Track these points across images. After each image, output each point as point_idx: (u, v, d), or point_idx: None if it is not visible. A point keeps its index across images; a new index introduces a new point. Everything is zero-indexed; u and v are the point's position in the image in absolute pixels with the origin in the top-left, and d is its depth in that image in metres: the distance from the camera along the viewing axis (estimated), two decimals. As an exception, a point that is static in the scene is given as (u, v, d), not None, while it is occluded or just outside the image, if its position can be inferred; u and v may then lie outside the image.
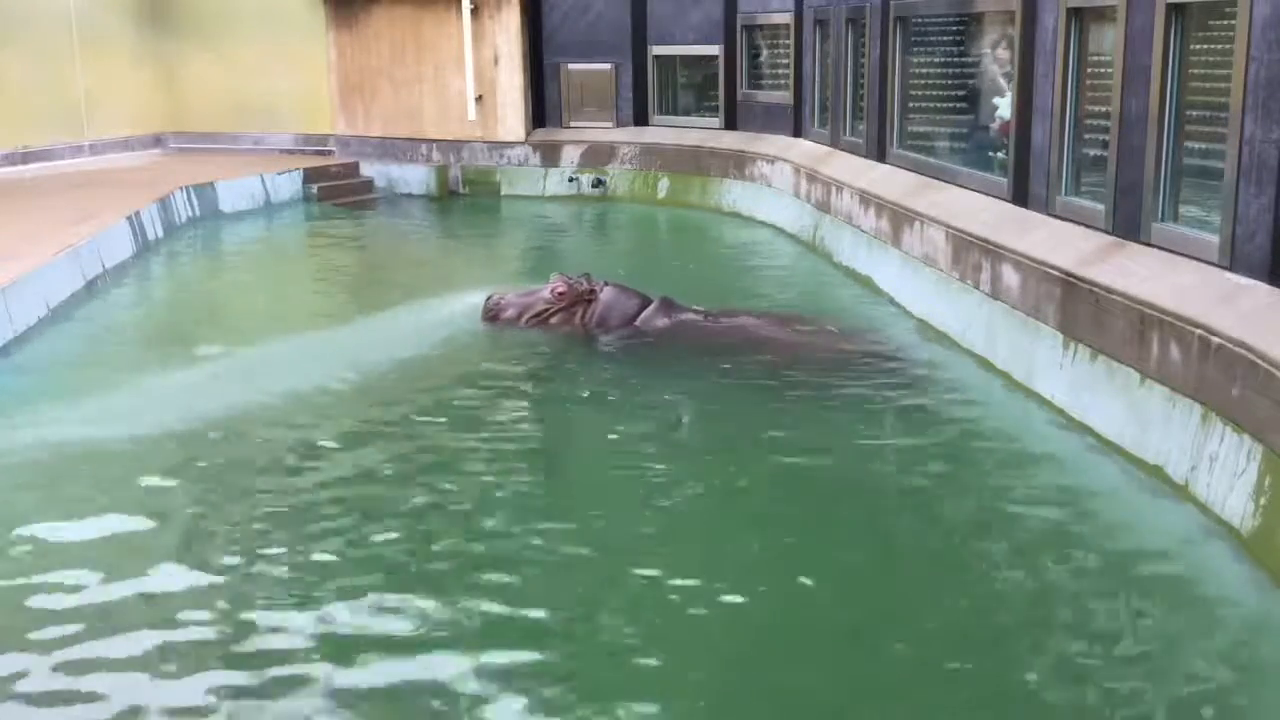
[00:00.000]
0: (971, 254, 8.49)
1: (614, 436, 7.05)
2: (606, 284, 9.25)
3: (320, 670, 4.38)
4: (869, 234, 11.00)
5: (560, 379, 8.47)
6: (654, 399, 7.76)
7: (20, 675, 4.37)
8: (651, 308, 9.08)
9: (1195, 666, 4.41)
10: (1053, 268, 7.22)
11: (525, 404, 7.97)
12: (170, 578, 5.13)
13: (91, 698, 4.24)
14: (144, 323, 10.55)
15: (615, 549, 5.41)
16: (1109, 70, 7.28)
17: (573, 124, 17.67)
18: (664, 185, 16.67)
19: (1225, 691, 4.28)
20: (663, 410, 7.54)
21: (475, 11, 17.23)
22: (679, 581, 5.01)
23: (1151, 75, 6.72)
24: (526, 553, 5.35)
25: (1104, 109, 7.42)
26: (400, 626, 4.66)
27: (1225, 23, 6.20)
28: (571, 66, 17.52)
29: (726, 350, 8.52)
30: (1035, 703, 4.20)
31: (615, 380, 8.25)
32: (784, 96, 15.24)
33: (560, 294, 9.09)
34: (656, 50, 17.10)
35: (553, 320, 9.07)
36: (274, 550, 5.39)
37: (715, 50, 16.44)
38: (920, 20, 11.22)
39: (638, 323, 8.99)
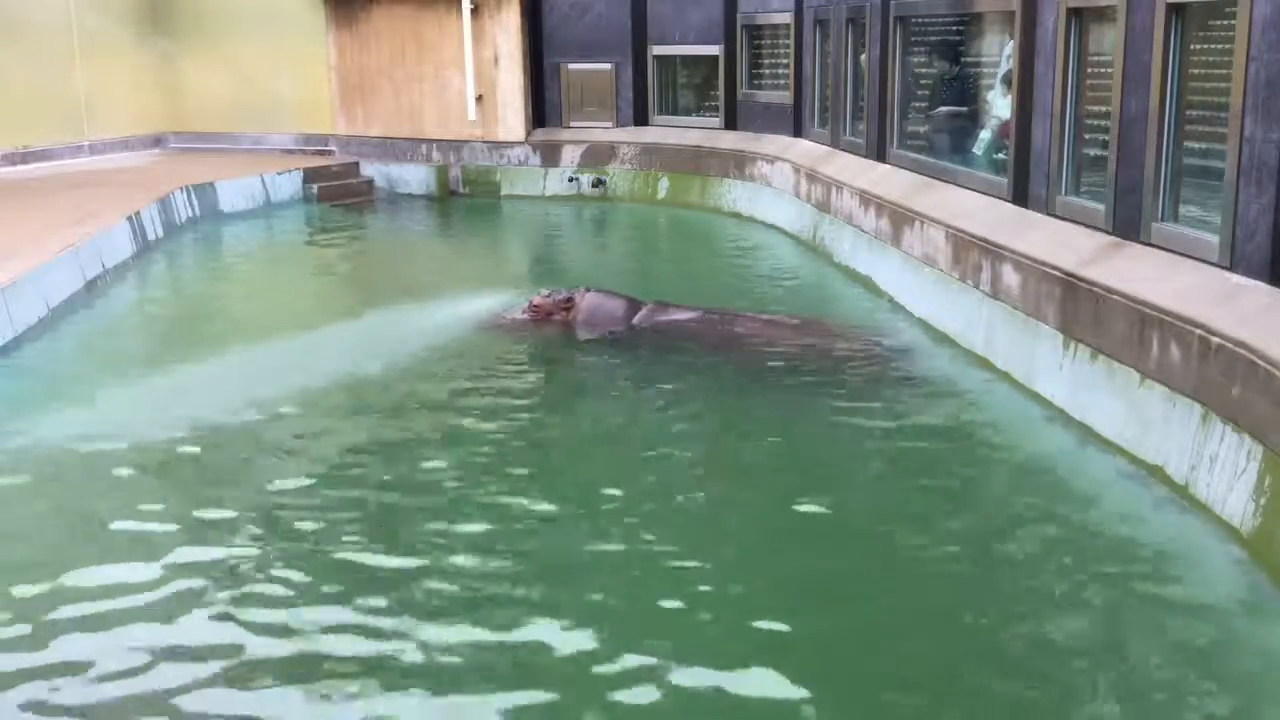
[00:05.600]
0: (971, 254, 8.49)
1: (602, 437, 7.06)
2: (589, 290, 9.33)
3: (330, 669, 4.38)
4: (869, 234, 10.99)
5: (558, 380, 8.48)
6: (648, 398, 7.75)
7: (19, 679, 4.37)
8: (647, 308, 9.12)
9: (1194, 666, 4.41)
10: (1053, 268, 7.22)
11: (524, 403, 7.95)
12: (169, 579, 5.12)
13: (89, 701, 4.25)
14: (144, 323, 10.55)
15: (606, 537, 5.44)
16: (1109, 70, 7.28)
17: (573, 124, 17.67)
18: (664, 185, 16.67)
19: (1224, 691, 4.27)
20: (655, 408, 7.54)
21: (475, 11, 17.23)
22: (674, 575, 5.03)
23: (1151, 75, 6.72)
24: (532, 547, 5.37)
25: (1104, 109, 7.42)
26: (409, 621, 4.67)
27: (1225, 23, 6.20)
28: (571, 66, 17.52)
29: (722, 350, 8.52)
30: (1029, 701, 4.20)
31: (609, 381, 8.25)
32: (784, 96, 15.24)
33: (536, 306, 9.24)
34: (656, 50, 17.10)
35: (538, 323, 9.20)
36: (276, 551, 5.39)
37: (715, 50, 16.44)
38: (920, 20, 11.22)
39: (635, 322, 9.02)
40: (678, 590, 4.96)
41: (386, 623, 4.69)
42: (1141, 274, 6.51)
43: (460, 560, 5.26)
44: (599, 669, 4.37)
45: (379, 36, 18.14)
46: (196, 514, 5.83)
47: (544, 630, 4.64)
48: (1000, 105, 9.56)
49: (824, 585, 5.09)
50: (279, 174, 16.76)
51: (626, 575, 5.15)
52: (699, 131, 16.67)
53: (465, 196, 17.82)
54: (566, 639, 4.58)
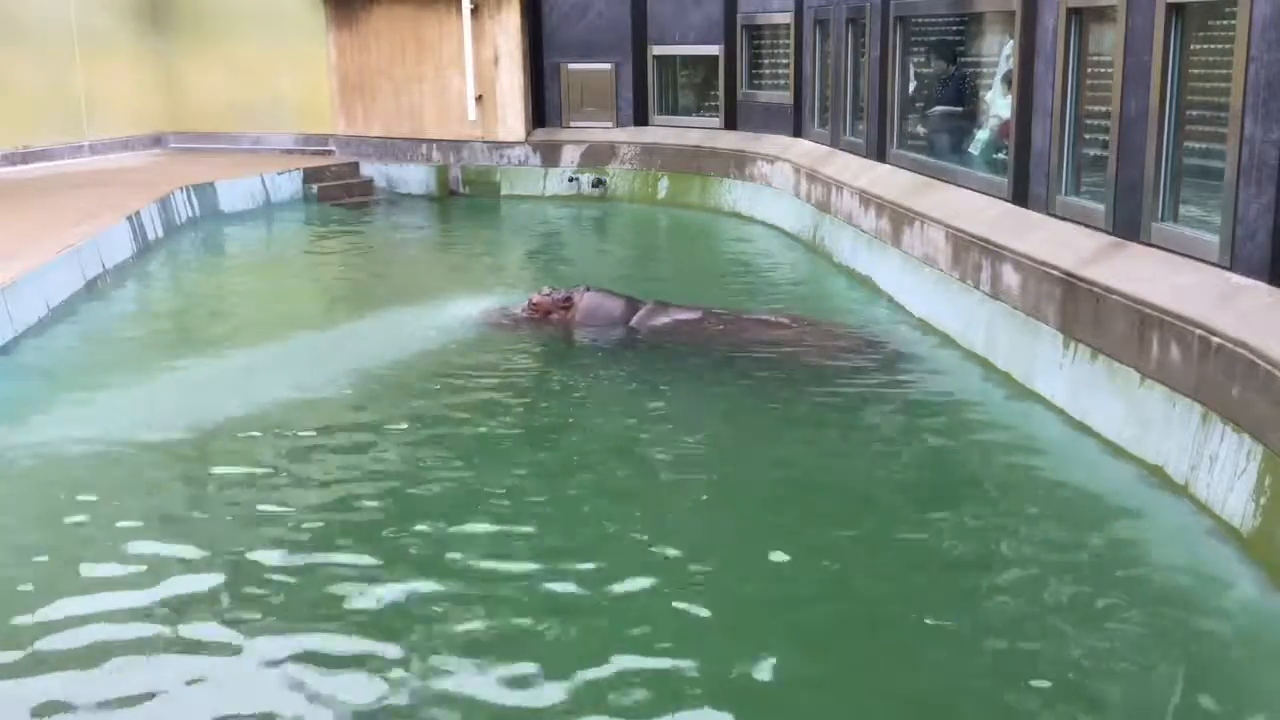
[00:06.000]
0: (971, 254, 8.49)
1: (599, 436, 7.05)
2: (588, 289, 9.37)
3: (338, 669, 4.39)
4: (869, 234, 11.00)
5: (556, 380, 8.48)
6: (646, 397, 7.75)
7: (22, 682, 4.37)
8: (646, 308, 9.14)
9: (1194, 666, 4.41)
10: (1053, 268, 7.22)
11: (522, 403, 7.95)
12: (166, 581, 5.11)
13: (91, 706, 4.25)
14: (144, 323, 10.55)
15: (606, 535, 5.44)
16: (1109, 70, 7.28)
17: (573, 124, 17.67)
18: (664, 185, 16.67)
19: (1223, 691, 4.27)
20: (653, 408, 7.54)
21: (475, 11, 17.24)
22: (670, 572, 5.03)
23: (1151, 75, 6.72)
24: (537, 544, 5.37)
25: (1104, 109, 7.42)
26: (418, 620, 4.67)
27: (1225, 23, 6.20)
28: (571, 66, 17.52)
29: (722, 349, 8.52)
30: (1028, 701, 4.20)
31: (607, 380, 8.25)
32: (784, 96, 15.24)
33: (535, 305, 9.31)
34: (656, 50, 17.10)
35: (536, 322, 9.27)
36: (274, 555, 5.39)
37: (715, 50, 16.44)
38: (920, 20, 11.22)
39: (633, 321, 9.04)
40: (675, 591, 4.95)
41: (382, 625, 4.70)
42: (1141, 274, 6.51)
43: (458, 561, 5.26)
44: (596, 677, 4.37)
45: (379, 36, 18.14)
46: (194, 515, 5.83)
47: (543, 629, 4.64)
48: (1000, 105, 9.57)
49: (821, 584, 5.09)
50: (279, 174, 16.76)
51: (625, 575, 5.15)
52: (699, 131, 16.67)
53: (465, 196, 17.82)
54: (564, 638, 4.58)
